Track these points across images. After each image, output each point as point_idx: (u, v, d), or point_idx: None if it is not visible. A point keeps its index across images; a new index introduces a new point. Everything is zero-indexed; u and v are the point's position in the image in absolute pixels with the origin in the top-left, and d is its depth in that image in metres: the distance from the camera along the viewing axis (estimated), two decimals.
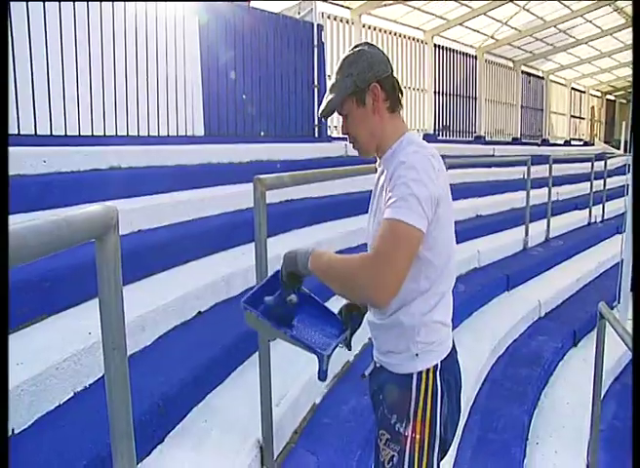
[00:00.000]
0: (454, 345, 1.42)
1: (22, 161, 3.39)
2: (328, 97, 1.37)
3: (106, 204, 1.07)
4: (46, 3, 4.17)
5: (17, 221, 0.80)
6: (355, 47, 1.38)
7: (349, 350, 1.42)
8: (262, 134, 6.57)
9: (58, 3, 4.26)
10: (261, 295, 1.34)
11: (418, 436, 1.31)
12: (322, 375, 1.31)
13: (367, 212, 1.48)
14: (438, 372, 1.34)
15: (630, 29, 10.67)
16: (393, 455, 1.33)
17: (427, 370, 1.33)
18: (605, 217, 9.02)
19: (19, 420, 1.79)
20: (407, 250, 1.15)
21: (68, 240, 0.94)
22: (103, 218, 1.04)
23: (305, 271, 1.26)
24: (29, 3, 4.04)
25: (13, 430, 1.76)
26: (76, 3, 4.41)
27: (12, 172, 3.28)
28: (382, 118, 1.35)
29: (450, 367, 1.38)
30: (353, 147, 1.43)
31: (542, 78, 14.92)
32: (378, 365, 1.44)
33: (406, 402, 1.32)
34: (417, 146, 1.29)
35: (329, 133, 7.71)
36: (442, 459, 1.39)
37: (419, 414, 1.31)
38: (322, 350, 1.28)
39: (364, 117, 1.35)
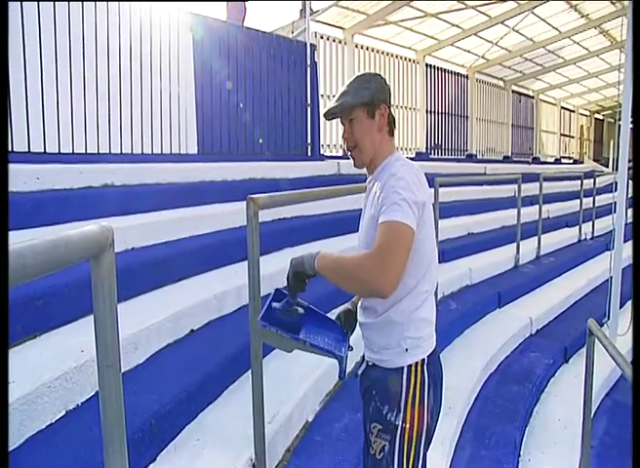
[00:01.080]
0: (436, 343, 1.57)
1: (16, 178, 3.40)
2: (339, 99, 1.52)
3: (101, 222, 1.07)
4: (41, 19, 4.21)
5: (12, 240, 0.81)
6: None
7: (351, 350, 1.58)
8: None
9: (52, 19, 4.31)
10: (271, 309, 1.48)
11: (407, 425, 1.43)
12: (342, 375, 1.48)
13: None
14: (425, 366, 1.48)
15: (615, 51, 10.91)
16: (384, 445, 1.44)
17: (416, 363, 1.47)
18: (595, 234, 9.10)
19: (9, 439, 1.78)
20: (404, 244, 1.31)
21: (65, 259, 0.94)
22: (99, 238, 1.05)
23: (312, 271, 1.42)
24: (25, 21, 4.08)
25: None
26: (71, 19, 4.45)
27: None
28: (383, 136, 1.56)
29: (435, 361, 1.53)
30: (350, 154, 1.58)
31: (532, 97, 15.14)
32: (370, 363, 1.56)
33: (397, 393, 1.45)
34: (404, 162, 1.50)
35: (321, 151, 7.76)
36: (427, 450, 1.49)
37: (409, 404, 1.44)
38: (339, 352, 1.47)
39: (370, 129, 1.53)
